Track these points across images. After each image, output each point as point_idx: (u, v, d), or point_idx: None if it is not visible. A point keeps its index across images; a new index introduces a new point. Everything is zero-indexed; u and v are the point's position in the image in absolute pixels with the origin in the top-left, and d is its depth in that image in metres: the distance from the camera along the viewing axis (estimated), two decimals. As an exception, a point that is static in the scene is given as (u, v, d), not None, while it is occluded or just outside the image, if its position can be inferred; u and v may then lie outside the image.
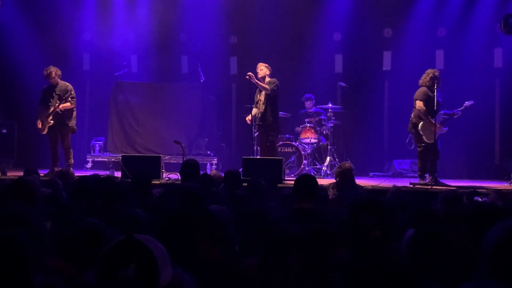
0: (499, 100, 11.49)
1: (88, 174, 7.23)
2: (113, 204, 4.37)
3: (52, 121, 9.55)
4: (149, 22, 12.38)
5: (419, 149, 8.80)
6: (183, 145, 9.07)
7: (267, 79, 9.45)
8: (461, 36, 11.44)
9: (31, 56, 11.96)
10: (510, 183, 9.20)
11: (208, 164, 11.34)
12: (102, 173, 9.36)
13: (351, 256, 2.86)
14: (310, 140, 10.65)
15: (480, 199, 5.59)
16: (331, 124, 10.78)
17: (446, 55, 11.52)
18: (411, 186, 8.38)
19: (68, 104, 9.58)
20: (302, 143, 10.68)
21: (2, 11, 11.58)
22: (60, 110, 9.52)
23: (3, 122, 11.81)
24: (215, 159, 11.51)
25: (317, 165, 10.83)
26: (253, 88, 9.62)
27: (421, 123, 8.63)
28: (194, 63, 12.24)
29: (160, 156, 9.42)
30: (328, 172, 10.35)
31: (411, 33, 11.61)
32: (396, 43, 11.77)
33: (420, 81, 8.79)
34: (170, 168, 10.32)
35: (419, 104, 8.62)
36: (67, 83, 9.73)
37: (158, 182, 8.51)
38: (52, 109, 9.53)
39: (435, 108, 8.55)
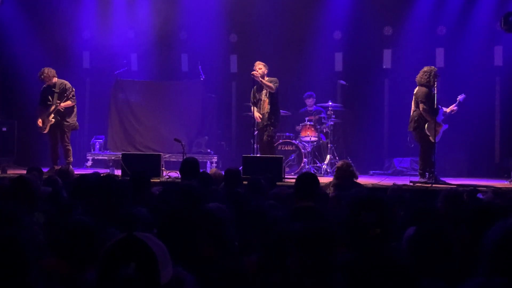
0: (499, 98, 11.48)
1: (88, 172, 7.23)
2: (113, 203, 4.36)
3: (53, 120, 9.57)
4: (149, 20, 12.37)
5: (421, 148, 8.79)
6: (183, 143, 9.07)
7: (266, 78, 9.49)
8: (461, 34, 11.43)
9: (31, 54, 11.96)
10: (510, 182, 9.21)
11: (208, 162, 11.34)
12: (102, 171, 9.37)
13: (351, 254, 2.86)
14: (310, 138, 10.65)
15: (482, 196, 5.60)
16: (331, 122, 10.78)
17: (446, 53, 11.51)
18: (412, 184, 8.39)
19: (69, 102, 9.61)
20: (302, 141, 10.68)
21: (2, 9, 11.57)
22: (62, 108, 9.54)
23: (3, 121, 11.81)
24: (215, 157, 11.50)
25: (317, 164, 10.83)
26: (253, 87, 9.63)
27: (427, 123, 8.61)
28: (194, 61, 12.23)
29: (160, 154, 9.43)
30: (328, 170, 10.35)
31: (411, 31, 11.60)
32: (396, 41, 11.76)
33: (421, 80, 8.65)
34: (170, 166, 10.32)
35: (423, 106, 8.57)
36: (65, 81, 9.74)
37: (158, 180, 8.52)
38: (53, 107, 9.55)
39: (435, 107, 8.56)
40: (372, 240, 3.05)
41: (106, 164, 11.19)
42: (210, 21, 12.11)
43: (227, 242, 3.31)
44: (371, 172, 11.10)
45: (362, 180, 8.62)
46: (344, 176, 6.66)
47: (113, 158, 10.98)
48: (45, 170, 9.17)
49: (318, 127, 10.81)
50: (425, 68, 8.73)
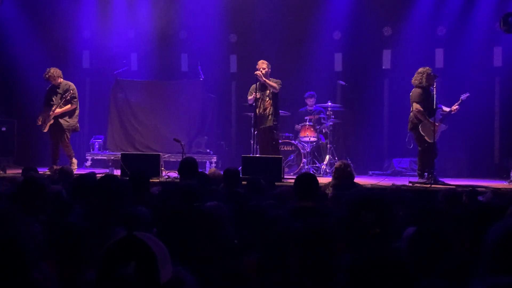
0: (499, 98, 11.49)
1: (84, 172, 7.20)
2: (113, 203, 4.35)
3: (52, 120, 9.58)
4: (149, 20, 12.37)
5: (420, 149, 8.81)
6: (182, 143, 9.06)
7: (270, 78, 9.49)
8: (461, 34, 11.43)
9: (31, 54, 11.96)
10: (509, 182, 9.21)
11: (208, 162, 11.34)
12: (101, 171, 9.37)
13: (351, 254, 2.86)
14: (310, 139, 10.64)
15: (482, 199, 5.60)
16: (331, 123, 10.79)
17: (445, 54, 11.52)
18: (411, 184, 8.40)
19: (68, 105, 9.62)
20: (302, 141, 10.68)
21: (2, 9, 11.56)
22: (57, 113, 9.55)
23: (3, 120, 11.80)
24: (215, 157, 11.50)
25: (316, 164, 10.83)
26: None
27: (421, 124, 8.64)
28: (194, 61, 12.24)
29: (159, 154, 9.43)
30: (327, 170, 10.35)
31: (411, 31, 11.61)
32: (395, 42, 11.76)
33: (414, 81, 8.78)
34: (170, 166, 10.32)
35: (416, 106, 8.63)
36: (70, 83, 9.76)
37: (158, 180, 8.52)
38: (54, 107, 9.56)
39: (434, 107, 8.57)
40: (372, 240, 3.05)
41: (106, 164, 11.18)
42: (210, 21, 12.11)
43: (227, 240, 3.31)
44: (370, 172, 11.11)
45: (362, 180, 8.65)
46: (343, 177, 6.66)
47: (112, 158, 10.98)
48: (45, 169, 9.21)
49: (318, 127, 10.81)
50: (419, 70, 8.84)
